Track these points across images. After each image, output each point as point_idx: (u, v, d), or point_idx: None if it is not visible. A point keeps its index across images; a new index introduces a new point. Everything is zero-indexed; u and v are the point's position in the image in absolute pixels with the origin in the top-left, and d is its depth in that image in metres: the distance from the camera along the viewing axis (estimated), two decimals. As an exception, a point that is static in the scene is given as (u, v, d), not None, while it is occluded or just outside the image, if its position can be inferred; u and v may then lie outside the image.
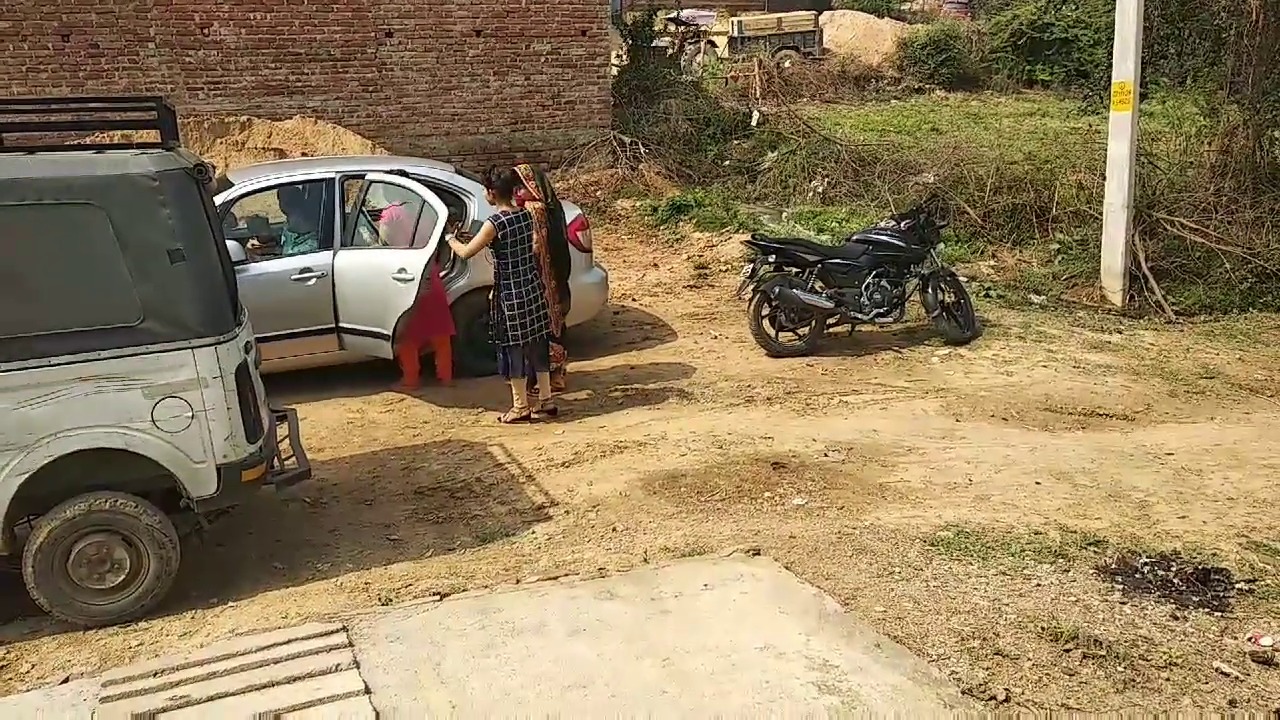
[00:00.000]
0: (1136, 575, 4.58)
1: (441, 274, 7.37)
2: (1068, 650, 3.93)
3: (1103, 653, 3.90)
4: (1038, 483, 5.66)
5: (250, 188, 7.52)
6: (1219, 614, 4.25)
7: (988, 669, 3.81)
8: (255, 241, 7.58)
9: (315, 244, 7.34)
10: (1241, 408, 7.11)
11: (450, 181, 7.74)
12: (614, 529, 5.19)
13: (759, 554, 4.74)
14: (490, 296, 6.83)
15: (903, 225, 8.60)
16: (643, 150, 13.65)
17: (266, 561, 4.98)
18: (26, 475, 4.18)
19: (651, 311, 9.54)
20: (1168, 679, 3.77)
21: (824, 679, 3.69)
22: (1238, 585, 4.49)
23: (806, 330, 8.27)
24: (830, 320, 8.36)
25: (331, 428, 6.76)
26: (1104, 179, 9.67)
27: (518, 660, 3.86)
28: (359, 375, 7.39)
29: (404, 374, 7.40)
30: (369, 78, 12.72)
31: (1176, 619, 4.21)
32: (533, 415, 6.86)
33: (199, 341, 4.35)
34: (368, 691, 3.66)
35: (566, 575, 4.64)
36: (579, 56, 13.80)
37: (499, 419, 6.86)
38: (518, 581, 4.60)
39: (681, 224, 11.87)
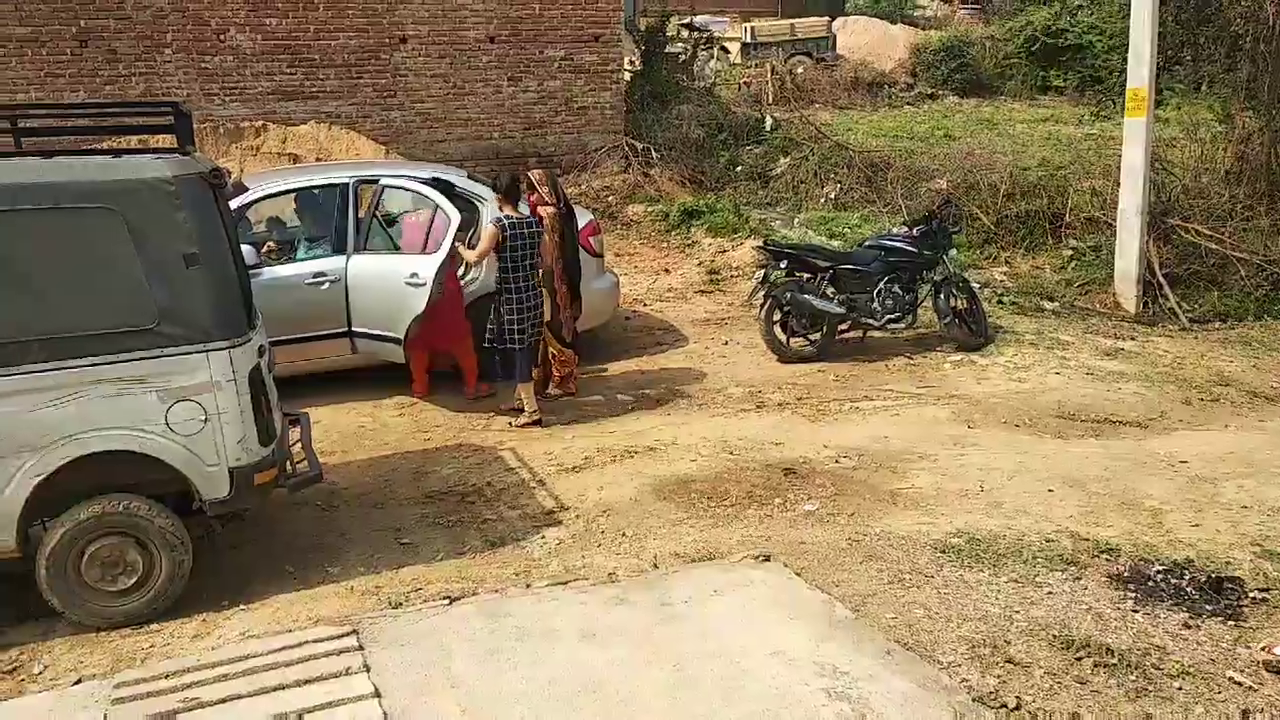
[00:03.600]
0: (1149, 583, 4.55)
1: (461, 279, 7.35)
2: (1079, 658, 3.91)
3: (1115, 661, 3.89)
4: (1050, 490, 5.64)
5: (265, 192, 7.56)
6: (1232, 623, 4.22)
7: (999, 677, 3.80)
8: (273, 244, 7.62)
9: (329, 248, 7.38)
10: (1256, 415, 7.06)
11: (463, 186, 7.76)
12: (624, 534, 5.20)
13: (769, 560, 4.73)
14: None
15: (915, 231, 8.58)
16: (655, 156, 13.65)
17: (278, 564, 5.00)
18: (41, 477, 4.21)
19: (663, 317, 9.54)
20: (1180, 688, 3.75)
21: (834, 686, 3.68)
22: (1251, 594, 4.45)
23: (818, 336, 8.25)
24: (842, 326, 8.35)
25: (343, 431, 6.78)
26: (1118, 185, 9.63)
27: (527, 665, 3.87)
28: (371, 379, 7.41)
29: (413, 380, 7.41)
30: (383, 83, 12.78)
31: (1189, 628, 4.18)
32: (499, 410, 6.89)
33: (213, 345, 4.37)
34: (378, 695, 3.68)
35: (576, 580, 4.64)
36: (592, 62, 13.83)
37: (510, 424, 6.87)
38: (528, 586, 4.60)
39: (693, 229, 11.87)
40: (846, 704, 3.58)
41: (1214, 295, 9.58)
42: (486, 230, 6.66)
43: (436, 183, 7.32)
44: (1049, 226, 10.93)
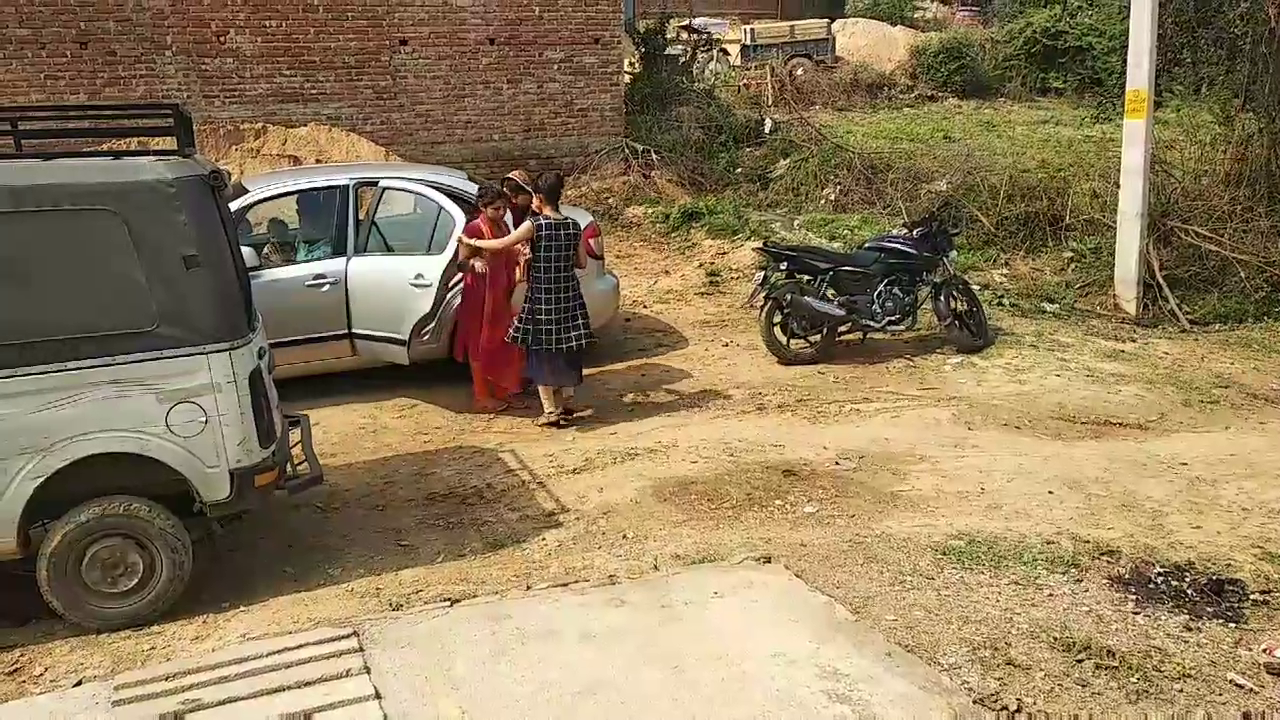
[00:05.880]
0: (1150, 585, 4.55)
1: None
2: (1080, 660, 3.91)
3: (1115, 663, 3.89)
4: (1050, 492, 5.64)
5: (265, 194, 7.56)
6: (1233, 625, 4.23)
7: (999, 679, 3.80)
8: (273, 246, 7.61)
9: (329, 250, 7.38)
10: (1256, 417, 7.06)
11: (463, 188, 7.76)
12: (624, 536, 5.20)
13: (770, 562, 4.73)
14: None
15: (915, 233, 8.59)
16: (655, 158, 13.66)
17: (278, 566, 5.00)
18: (42, 479, 4.21)
19: (663, 319, 9.54)
20: (1181, 690, 3.75)
21: (834, 688, 3.68)
22: (1252, 596, 4.46)
23: (818, 338, 8.26)
24: (842, 328, 8.35)
25: (343, 433, 6.78)
26: (1118, 187, 9.62)
27: (528, 667, 3.87)
28: (371, 381, 7.41)
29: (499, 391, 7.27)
30: (383, 85, 12.78)
31: (1190, 630, 4.18)
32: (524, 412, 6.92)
33: (213, 347, 4.38)
34: (378, 696, 3.68)
35: (577, 582, 4.64)
36: (592, 64, 13.83)
37: (533, 422, 6.87)
38: (528, 588, 4.60)
39: (693, 231, 11.88)
40: (847, 706, 3.57)
41: (1214, 297, 9.58)
42: (524, 225, 6.69)
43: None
44: (1049, 228, 10.92)
